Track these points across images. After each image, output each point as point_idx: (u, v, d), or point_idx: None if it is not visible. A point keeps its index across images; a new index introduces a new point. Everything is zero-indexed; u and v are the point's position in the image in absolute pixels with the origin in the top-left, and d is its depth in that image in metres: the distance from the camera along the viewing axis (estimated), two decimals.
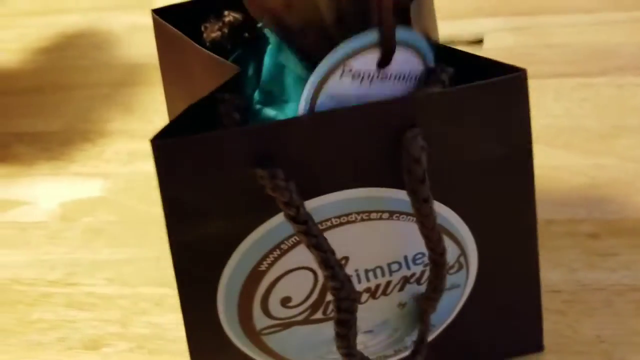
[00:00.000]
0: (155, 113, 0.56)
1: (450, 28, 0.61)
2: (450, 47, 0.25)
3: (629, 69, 0.53)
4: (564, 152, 0.46)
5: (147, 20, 0.69)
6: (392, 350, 0.32)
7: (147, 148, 0.52)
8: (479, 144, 0.25)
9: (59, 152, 0.53)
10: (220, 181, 0.24)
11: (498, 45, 0.58)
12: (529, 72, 0.56)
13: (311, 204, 0.25)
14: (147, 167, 0.50)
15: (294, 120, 0.23)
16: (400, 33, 0.25)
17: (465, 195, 0.27)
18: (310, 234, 0.23)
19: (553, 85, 0.53)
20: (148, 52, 0.64)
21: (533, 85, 0.53)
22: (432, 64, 0.26)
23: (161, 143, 0.22)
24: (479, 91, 0.23)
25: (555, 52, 0.56)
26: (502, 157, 0.26)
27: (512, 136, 0.25)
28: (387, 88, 0.25)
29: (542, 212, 0.42)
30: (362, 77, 0.25)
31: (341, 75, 0.24)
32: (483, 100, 0.24)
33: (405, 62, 0.25)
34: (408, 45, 0.25)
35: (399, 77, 0.25)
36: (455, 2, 0.64)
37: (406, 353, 0.32)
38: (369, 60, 0.24)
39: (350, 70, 0.24)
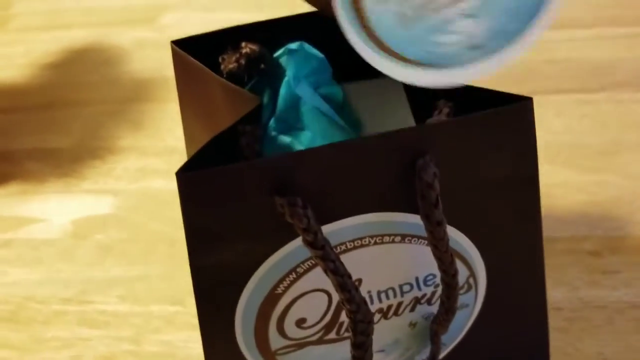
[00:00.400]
0: (165, 130, 0.57)
1: None
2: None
3: (628, 85, 0.54)
4: (565, 169, 0.47)
5: (154, 36, 0.70)
6: None
7: (157, 165, 0.53)
8: (488, 169, 0.26)
9: (69, 169, 0.54)
10: (241, 209, 0.25)
11: None
12: (531, 88, 0.57)
13: (327, 229, 0.26)
14: (157, 184, 0.51)
15: (312, 151, 0.25)
16: None
17: (474, 218, 0.28)
18: (328, 259, 0.24)
19: (554, 101, 0.54)
20: (156, 67, 0.65)
21: (535, 102, 0.54)
22: None
23: (186, 175, 0.23)
24: (487, 119, 0.25)
25: (556, 68, 0.57)
26: (510, 182, 0.27)
27: (519, 161, 0.26)
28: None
29: (545, 230, 0.43)
30: None
31: None
32: (491, 128, 0.25)
33: None
34: None
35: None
36: None
37: None
38: None
39: None
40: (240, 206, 0.24)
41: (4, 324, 0.42)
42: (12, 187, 0.53)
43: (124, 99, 0.62)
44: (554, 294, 0.39)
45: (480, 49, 0.21)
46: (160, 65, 0.65)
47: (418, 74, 0.22)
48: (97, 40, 0.71)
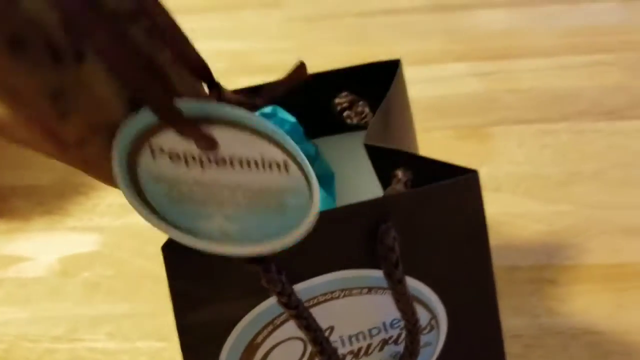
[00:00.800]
0: None
1: (421, 72, 0.65)
2: (412, 153, 0.28)
3: (588, 114, 0.57)
4: (526, 200, 0.50)
5: None
6: None
7: None
8: (442, 230, 0.29)
9: (54, 205, 0.56)
10: (222, 276, 0.27)
11: (465, 91, 0.62)
12: (495, 119, 0.60)
13: (300, 286, 0.29)
14: (140, 220, 0.53)
15: None
16: (217, 109, 0.23)
17: (432, 270, 0.30)
18: (301, 317, 0.27)
19: (516, 131, 0.57)
20: None
21: (499, 132, 0.57)
22: (295, 150, 0.24)
23: (171, 251, 0.26)
24: (440, 190, 0.27)
25: (518, 98, 0.60)
26: (462, 239, 0.29)
27: (469, 222, 0.29)
28: (231, 175, 0.24)
29: (507, 259, 0.46)
30: (186, 159, 0.23)
31: (152, 155, 0.23)
32: (443, 197, 0.28)
33: (243, 144, 0.23)
34: (236, 125, 0.23)
35: (246, 163, 0.24)
36: (424, 47, 0.68)
37: None
38: (177, 138, 0.23)
39: (162, 150, 0.23)
40: (221, 273, 0.27)
41: None
42: (0, 226, 0.55)
43: None
44: (515, 321, 0.42)
45: (234, 240, 0.24)
46: None
47: (189, 241, 0.23)
48: None
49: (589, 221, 0.48)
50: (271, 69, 0.68)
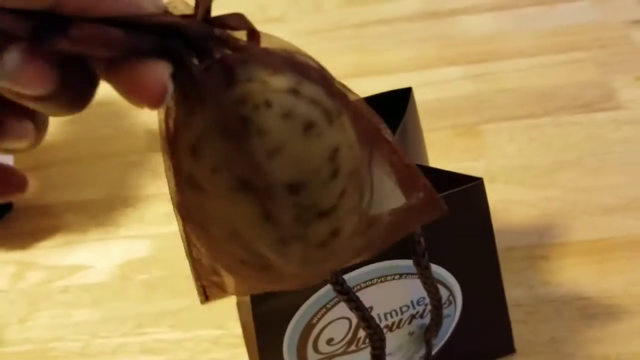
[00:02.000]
0: None
1: (417, 78, 0.72)
2: (428, 166, 0.36)
3: (567, 108, 0.65)
4: (518, 188, 0.58)
5: None
6: None
7: None
8: (457, 226, 0.37)
9: (106, 218, 0.63)
10: None
11: (458, 93, 0.70)
12: (486, 117, 0.68)
13: (348, 276, 0.37)
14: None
15: None
16: None
17: (450, 257, 0.39)
18: (351, 300, 0.35)
19: (507, 127, 0.65)
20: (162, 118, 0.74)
21: (491, 129, 0.65)
22: None
23: None
24: (454, 196, 0.35)
25: (507, 97, 0.68)
26: (472, 233, 0.38)
27: (477, 219, 0.37)
28: None
29: (504, 241, 0.54)
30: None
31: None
32: (457, 201, 0.36)
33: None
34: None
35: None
36: (418, 54, 0.76)
37: None
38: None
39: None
40: None
41: (77, 357, 0.52)
42: (59, 239, 0.62)
43: (140, 150, 0.70)
44: (514, 293, 0.50)
45: None
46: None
47: None
48: (104, 92, 0.79)
49: (573, 203, 0.56)
50: None
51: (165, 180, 0.66)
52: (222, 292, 0.26)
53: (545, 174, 0.59)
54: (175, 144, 0.23)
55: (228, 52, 0.22)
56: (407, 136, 0.41)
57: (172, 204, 0.25)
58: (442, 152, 0.63)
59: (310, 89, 0.22)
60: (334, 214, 0.23)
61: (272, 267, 0.24)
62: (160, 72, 0.21)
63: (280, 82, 0.22)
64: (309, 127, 0.22)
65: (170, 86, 0.21)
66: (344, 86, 0.24)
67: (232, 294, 0.26)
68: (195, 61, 0.22)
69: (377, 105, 0.44)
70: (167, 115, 0.23)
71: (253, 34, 0.23)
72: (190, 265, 0.26)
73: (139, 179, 0.67)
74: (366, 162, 0.24)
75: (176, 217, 0.26)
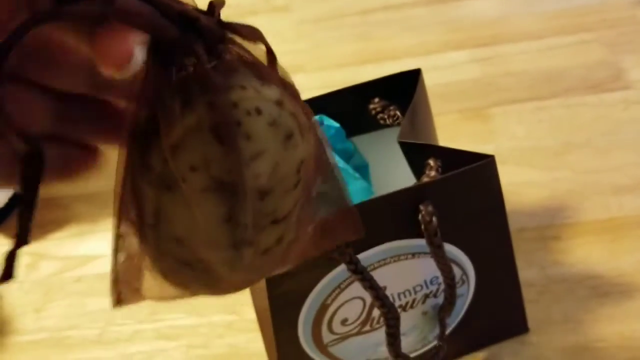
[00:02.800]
0: None
1: (423, 63, 0.72)
2: (439, 145, 0.36)
3: (576, 90, 0.65)
4: (528, 170, 0.58)
5: None
6: (420, 345, 0.44)
7: None
8: (469, 205, 0.37)
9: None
10: None
11: (466, 77, 0.70)
12: (494, 100, 0.68)
13: (362, 256, 0.37)
14: None
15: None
16: None
17: (463, 236, 0.39)
18: (365, 279, 0.35)
19: (515, 110, 0.64)
20: None
21: (499, 112, 0.65)
22: None
23: None
24: (465, 173, 0.35)
25: (514, 80, 0.68)
26: (484, 210, 0.38)
27: (489, 198, 0.37)
28: None
29: (516, 222, 0.54)
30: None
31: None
32: (468, 179, 0.36)
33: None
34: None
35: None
36: (424, 39, 0.76)
37: (429, 346, 0.44)
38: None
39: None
40: None
41: (94, 345, 0.52)
42: (70, 230, 0.62)
43: None
44: (527, 273, 0.50)
45: None
46: None
47: None
48: None
49: (583, 184, 0.56)
50: (289, 69, 0.75)
51: None
52: (139, 297, 0.26)
53: (555, 155, 0.59)
54: (150, 139, 0.23)
55: (229, 57, 0.23)
56: (417, 117, 0.41)
57: (114, 200, 0.25)
58: (451, 136, 0.63)
59: (291, 104, 0.24)
60: (284, 222, 0.24)
61: (212, 271, 0.24)
62: (130, 39, 0.21)
63: (270, 92, 0.23)
64: (289, 137, 0.23)
65: (138, 55, 0.22)
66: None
67: (150, 299, 0.26)
68: (205, 58, 0.22)
69: (385, 88, 0.44)
70: (139, 107, 0.23)
71: (268, 50, 0.24)
72: (111, 268, 0.26)
73: None
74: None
75: (114, 214, 0.26)
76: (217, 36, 0.23)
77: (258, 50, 0.24)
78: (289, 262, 0.27)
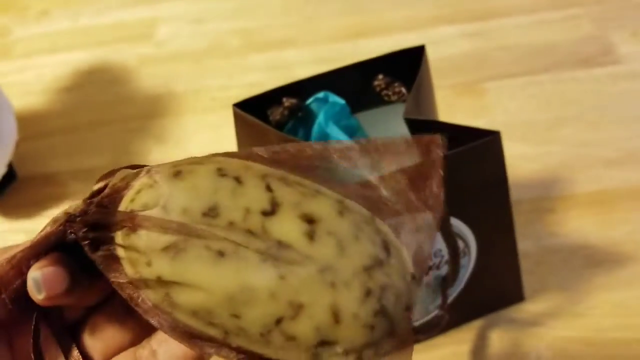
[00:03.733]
0: (185, 141, 0.66)
1: (415, 38, 0.72)
2: (443, 122, 0.37)
3: (566, 64, 0.66)
4: (521, 144, 0.59)
5: (154, 51, 0.78)
6: (421, 316, 0.45)
7: None
8: (474, 179, 0.38)
9: None
10: None
11: (457, 51, 0.70)
12: (486, 75, 0.69)
13: None
14: None
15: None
16: None
17: (467, 209, 0.40)
18: None
19: (507, 85, 0.65)
20: (162, 83, 0.73)
21: (491, 87, 0.66)
22: None
23: None
24: (472, 149, 0.36)
25: (506, 54, 0.69)
26: (489, 184, 0.39)
27: (494, 172, 0.38)
28: None
29: (512, 195, 0.55)
30: None
31: None
32: (475, 154, 0.37)
33: None
34: None
35: None
36: (415, 13, 0.76)
37: (430, 316, 0.45)
38: None
39: None
40: None
41: None
42: (66, 207, 0.62)
43: (140, 115, 0.70)
44: (523, 245, 0.51)
45: None
46: (165, 80, 0.73)
47: None
48: (101, 60, 0.78)
49: (575, 157, 0.57)
50: (280, 43, 0.75)
51: (171, 145, 0.65)
52: None
53: (547, 129, 0.60)
54: (133, 294, 0.25)
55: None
56: (421, 94, 0.41)
57: None
58: (445, 111, 0.63)
59: (162, 170, 0.25)
60: (281, 206, 0.24)
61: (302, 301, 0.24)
62: None
63: (141, 179, 0.25)
64: (176, 174, 0.25)
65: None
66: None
67: None
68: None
69: (388, 64, 0.44)
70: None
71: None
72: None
73: (141, 144, 0.67)
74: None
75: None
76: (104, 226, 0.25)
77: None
78: None
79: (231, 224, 0.23)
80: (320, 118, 0.41)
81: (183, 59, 0.75)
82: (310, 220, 0.24)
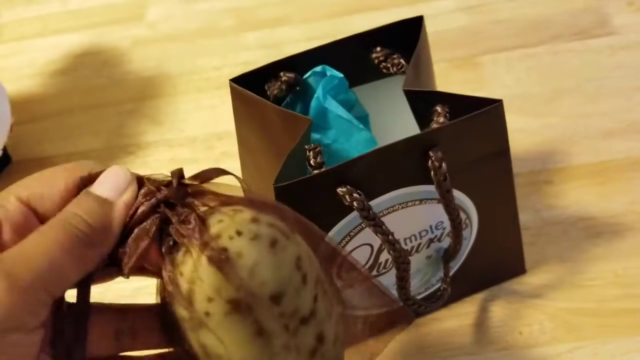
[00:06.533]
0: (180, 122, 0.66)
1: (409, 12, 0.72)
2: (443, 92, 0.37)
3: (562, 36, 0.66)
4: (518, 117, 0.59)
5: (146, 33, 0.77)
6: (423, 289, 0.45)
7: (184, 154, 0.62)
8: (476, 150, 0.38)
9: (109, 165, 0.63)
10: (317, 198, 0.36)
11: (453, 25, 0.70)
12: (483, 49, 0.68)
13: (372, 203, 0.37)
14: (189, 171, 0.61)
15: (361, 156, 0.36)
16: None
17: (468, 181, 0.39)
18: (377, 225, 0.36)
19: (503, 58, 0.65)
20: (155, 65, 0.72)
21: (488, 60, 0.65)
22: None
23: (281, 186, 0.34)
24: (474, 119, 0.36)
25: (501, 28, 0.68)
26: (490, 155, 0.38)
27: (496, 141, 0.38)
28: None
29: None
30: None
31: None
32: (477, 124, 0.36)
33: None
34: None
35: None
36: None
37: (432, 290, 0.45)
38: None
39: None
40: (316, 197, 0.35)
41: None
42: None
43: (134, 97, 0.70)
44: (522, 217, 0.51)
45: None
46: (158, 62, 0.72)
47: None
48: (93, 42, 0.77)
49: (573, 129, 0.57)
50: (273, 21, 0.74)
51: (166, 126, 0.65)
52: None
53: (545, 102, 0.60)
54: (171, 299, 0.28)
55: (200, 205, 0.28)
56: (420, 65, 0.41)
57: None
58: (441, 85, 0.63)
59: (266, 217, 0.28)
60: (314, 318, 0.28)
61: None
62: None
63: (243, 215, 0.27)
64: (273, 243, 0.27)
65: None
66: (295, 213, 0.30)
67: None
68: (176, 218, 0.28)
69: (385, 36, 0.44)
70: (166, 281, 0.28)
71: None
72: None
73: (136, 126, 0.67)
74: (325, 275, 0.30)
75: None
76: (179, 197, 0.28)
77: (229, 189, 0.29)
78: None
79: (281, 315, 0.27)
80: (319, 92, 0.40)
81: (175, 39, 0.74)
82: (320, 339, 0.28)
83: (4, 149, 0.61)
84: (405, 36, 0.42)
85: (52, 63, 0.75)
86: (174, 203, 0.28)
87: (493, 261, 0.46)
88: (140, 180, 0.29)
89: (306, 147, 0.36)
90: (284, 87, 0.40)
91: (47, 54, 0.76)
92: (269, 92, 0.40)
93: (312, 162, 0.36)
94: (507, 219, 0.44)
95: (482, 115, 0.36)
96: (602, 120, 0.57)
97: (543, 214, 0.51)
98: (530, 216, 0.51)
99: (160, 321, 0.29)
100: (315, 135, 0.41)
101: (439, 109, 0.36)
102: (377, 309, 0.32)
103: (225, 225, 0.27)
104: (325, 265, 0.30)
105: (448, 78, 0.64)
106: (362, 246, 0.40)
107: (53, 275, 0.26)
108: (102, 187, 0.28)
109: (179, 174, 0.29)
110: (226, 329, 0.27)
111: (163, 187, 0.28)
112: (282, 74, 0.40)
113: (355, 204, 0.35)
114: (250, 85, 0.40)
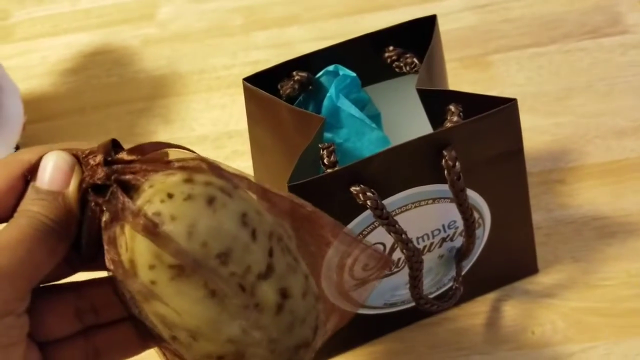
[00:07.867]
0: (191, 120, 0.66)
1: (419, 11, 0.72)
2: (457, 91, 0.37)
3: (573, 35, 0.65)
4: (530, 116, 0.59)
5: (156, 32, 0.77)
6: (435, 288, 0.45)
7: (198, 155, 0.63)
8: (490, 149, 0.38)
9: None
10: (330, 197, 0.36)
11: (464, 25, 0.70)
12: (493, 48, 0.68)
13: (385, 202, 0.37)
14: None
15: (376, 155, 0.36)
16: None
17: (481, 180, 0.39)
18: (391, 224, 0.36)
19: (515, 57, 0.65)
20: (166, 64, 0.73)
21: (499, 59, 0.65)
22: None
23: (295, 185, 0.34)
24: (488, 118, 0.36)
25: (512, 26, 0.68)
26: (505, 155, 0.38)
27: (510, 141, 0.38)
28: None
29: None
30: None
31: None
32: (491, 123, 0.36)
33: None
34: None
35: None
36: None
37: (443, 289, 0.45)
38: None
39: None
40: (329, 196, 0.36)
41: None
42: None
43: (145, 96, 0.70)
44: (534, 217, 0.51)
45: None
46: (169, 61, 0.73)
47: None
48: (104, 42, 0.78)
49: (585, 128, 0.57)
50: (283, 20, 0.74)
51: (177, 125, 0.65)
52: None
53: (556, 100, 0.60)
54: (119, 272, 0.27)
55: (128, 177, 0.27)
56: (433, 64, 0.41)
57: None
58: (453, 85, 0.63)
59: (201, 176, 0.27)
60: (273, 273, 0.27)
61: (246, 354, 0.27)
62: None
63: (174, 178, 0.26)
64: (211, 201, 0.26)
65: None
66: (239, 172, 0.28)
67: None
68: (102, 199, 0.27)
69: (398, 36, 0.44)
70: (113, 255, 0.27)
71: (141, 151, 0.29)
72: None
73: (148, 125, 0.67)
74: (291, 233, 0.29)
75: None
76: (105, 177, 0.28)
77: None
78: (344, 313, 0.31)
79: (232, 274, 0.26)
80: (331, 91, 0.40)
81: (186, 38, 0.74)
82: (284, 295, 0.27)
83: (17, 148, 0.61)
84: (417, 35, 0.42)
85: (63, 62, 0.75)
86: (102, 185, 0.27)
87: (505, 260, 0.46)
88: (77, 157, 0.29)
89: (320, 145, 0.36)
90: (296, 86, 0.40)
91: (58, 53, 0.76)
92: (281, 91, 0.40)
93: (325, 160, 0.36)
94: (520, 219, 0.44)
95: (496, 114, 0.36)
96: (614, 119, 0.57)
97: (555, 214, 0.51)
98: (542, 216, 0.51)
99: (119, 300, 0.29)
100: (327, 134, 0.41)
101: (452, 108, 0.36)
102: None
103: (155, 190, 0.26)
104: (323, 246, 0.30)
105: (458, 77, 0.64)
106: (374, 245, 0.40)
107: (32, 266, 0.26)
108: (50, 179, 0.28)
109: (104, 149, 0.29)
110: (175, 295, 0.26)
111: (91, 166, 0.28)
112: (295, 73, 0.40)
113: (368, 202, 0.35)
114: (263, 84, 0.40)
